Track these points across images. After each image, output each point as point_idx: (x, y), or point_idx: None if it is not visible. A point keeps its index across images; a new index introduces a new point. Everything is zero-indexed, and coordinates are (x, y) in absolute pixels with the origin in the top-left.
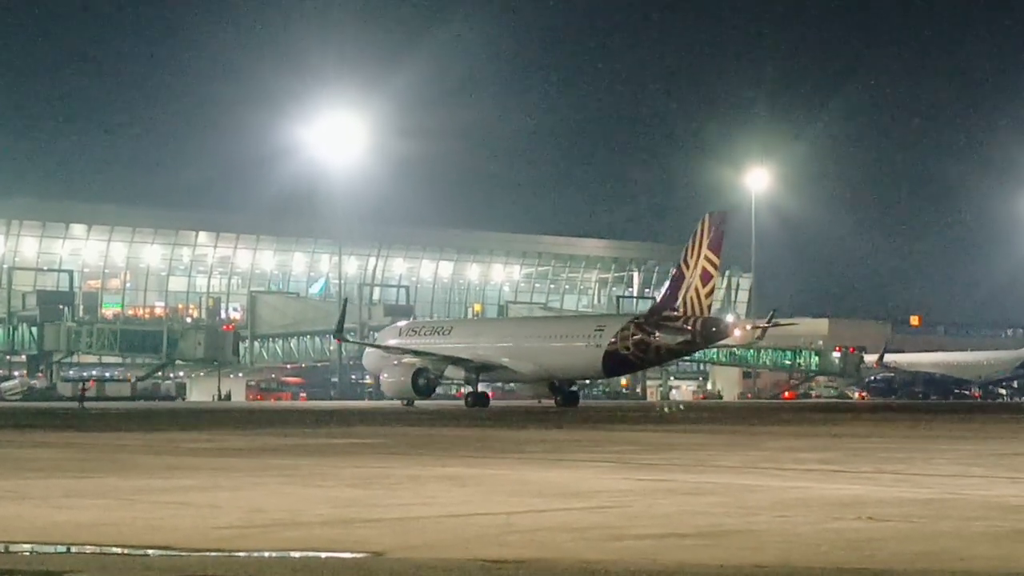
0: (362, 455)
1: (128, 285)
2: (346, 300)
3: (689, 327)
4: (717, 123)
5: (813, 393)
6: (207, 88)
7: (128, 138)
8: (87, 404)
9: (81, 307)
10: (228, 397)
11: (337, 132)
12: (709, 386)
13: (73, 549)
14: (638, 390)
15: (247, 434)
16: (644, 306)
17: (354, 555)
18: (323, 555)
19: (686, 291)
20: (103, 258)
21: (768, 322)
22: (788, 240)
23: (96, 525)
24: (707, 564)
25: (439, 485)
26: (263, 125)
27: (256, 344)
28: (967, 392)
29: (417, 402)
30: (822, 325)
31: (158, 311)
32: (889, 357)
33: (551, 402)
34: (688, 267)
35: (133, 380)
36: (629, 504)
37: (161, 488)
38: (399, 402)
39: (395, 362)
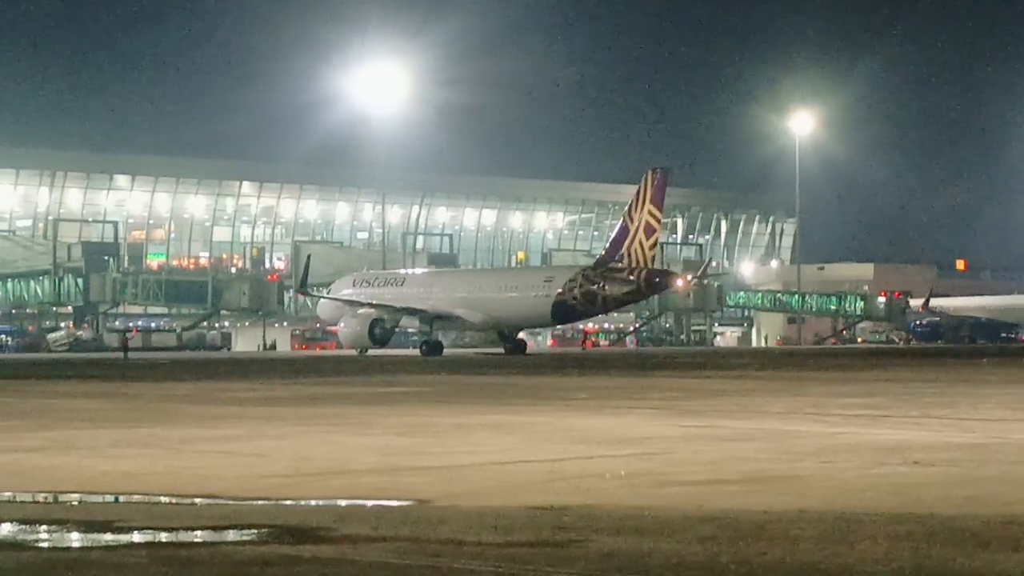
0: (407, 403)
1: (172, 236)
2: (309, 256)
3: (634, 278)
4: (760, 68)
5: (859, 339)
6: (249, 38)
7: (172, 89)
8: (131, 355)
9: (126, 258)
10: (273, 347)
11: (379, 81)
12: (755, 332)
13: (121, 499)
14: (682, 337)
15: (292, 383)
16: (688, 252)
17: (401, 503)
18: (369, 503)
19: (631, 244)
20: (147, 209)
21: (701, 273)
22: (833, 184)
23: (143, 474)
24: (752, 510)
25: (485, 433)
26: (305, 74)
27: None
28: (1014, 336)
29: (372, 351)
30: (867, 270)
31: (203, 261)
32: (935, 302)
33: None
34: (632, 221)
35: (178, 330)
36: (674, 450)
37: (208, 438)
38: (354, 350)
39: (352, 313)
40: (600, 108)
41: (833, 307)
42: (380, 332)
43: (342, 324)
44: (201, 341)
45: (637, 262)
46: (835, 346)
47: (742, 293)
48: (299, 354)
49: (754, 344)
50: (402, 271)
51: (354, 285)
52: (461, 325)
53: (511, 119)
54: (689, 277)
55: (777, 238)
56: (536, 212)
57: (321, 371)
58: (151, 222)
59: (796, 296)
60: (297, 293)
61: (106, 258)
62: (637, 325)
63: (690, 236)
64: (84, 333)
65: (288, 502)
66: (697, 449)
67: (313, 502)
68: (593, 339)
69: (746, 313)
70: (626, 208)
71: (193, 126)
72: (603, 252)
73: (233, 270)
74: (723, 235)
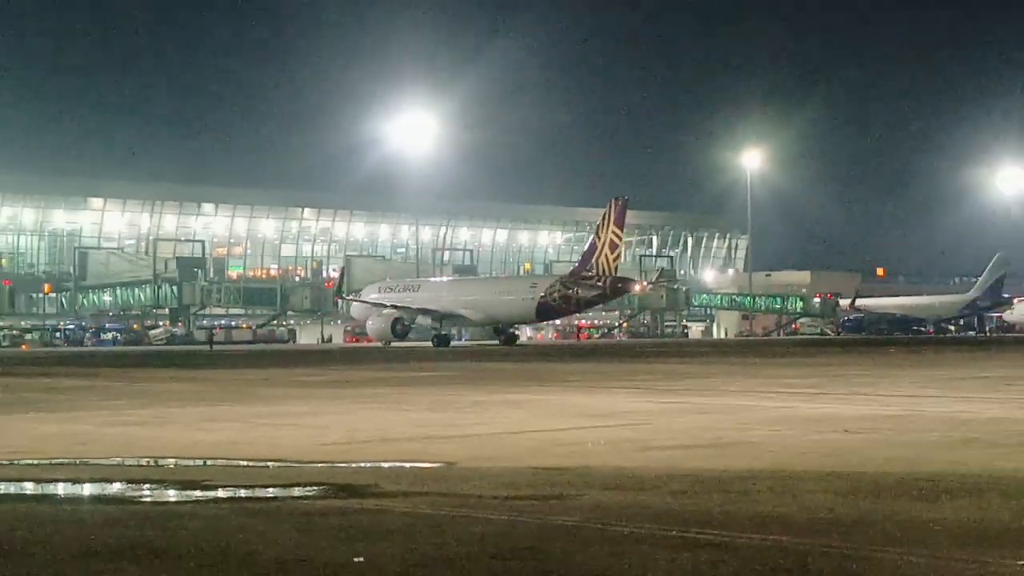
0: (437, 385)
1: (248, 252)
2: (343, 268)
3: (601, 284)
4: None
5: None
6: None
7: (249, 132)
8: (215, 347)
9: (211, 269)
10: (329, 340)
11: (414, 126)
12: (715, 327)
13: (209, 462)
14: (657, 331)
15: (345, 369)
16: (662, 263)
17: (432, 464)
18: (407, 465)
19: (598, 257)
20: (229, 230)
21: (657, 279)
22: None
23: (227, 443)
24: (715, 469)
25: (499, 408)
26: (354, 121)
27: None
28: (923, 329)
29: (393, 343)
30: (805, 276)
31: (273, 272)
32: (859, 301)
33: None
34: (600, 239)
35: (253, 327)
36: (651, 422)
37: (278, 413)
38: (380, 343)
39: (378, 312)
40: (591, 147)
41: (778, 306)
42: (400, 328)
43: (370, 322)
44: (271, 336)
45: (604, 271)
46: (779, 337)
47: (705, 295)
48: (349, 346)
49: (715, 336)
50: (418, 279)
51: (380, 291)
52: (464, 322)
53: (520, 156)
54: (645, 283)
55: (733, 251)
56: (539, 231)
57: (367, 360)
58: (231, 241)
59: (748, 298)
60: (335, 297)
61: (195, 270)
62: (621, 322)
63: (663, 250)
64: (178, 330)
65: (342, 464)
66: (671, 421)
67: (362, 464)
68: (587, 333)
69: (708, 312)
70: (595, 229)
71: (266, 163)
72: (576, 264)
73: (297, 279)
74: (689, 249)
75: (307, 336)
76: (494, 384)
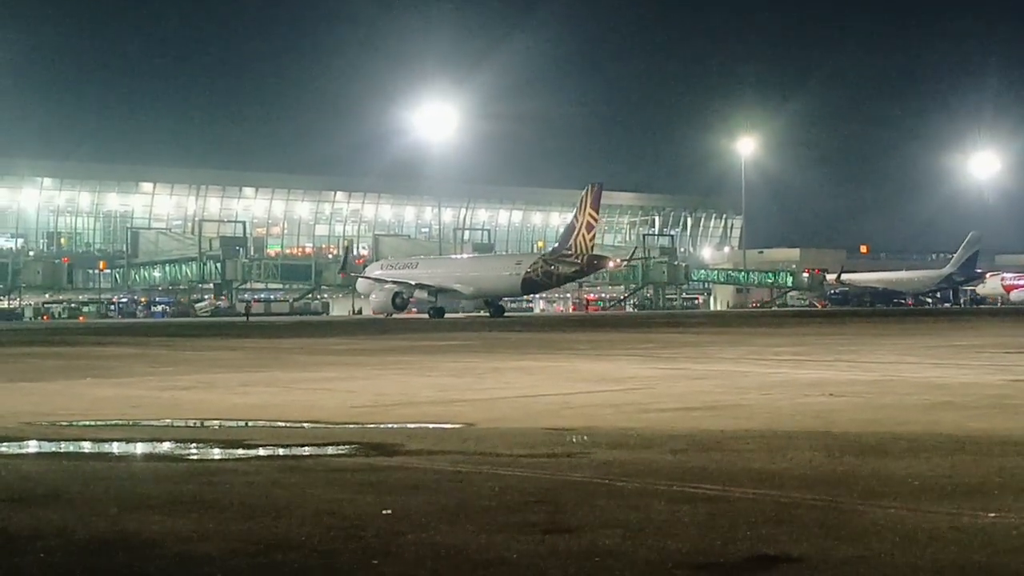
0: (457, 353)
1: (286, 231)
2: (348, 247)
3: (579, 261)
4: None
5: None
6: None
7: (286, 123)
8: (253, 319)
9: (252, 248)
10: (359, 312)
11: (436, 116)
12: (712, 300)
13: (249, 423)
14: (674, 302)
15: (374, 339)
16: (663, 241)
17: (453, 425)
18: (431, 425)
19: (576, 237)
20: (267, 212)
21: (630, 258)
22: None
23: (265, 406)
24: (711, 430)
25: (514, 374)
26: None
27: None
28: (903, 301)
29: (394, 315)
30: (794, 253)
31: (308, 250)
32: (845, 276)
33: (486, 313)
34: (578, 221)
35: (290, 300)
36: (653, 387)
37: (312, 379)
38: (381, 315)
39: (380, 287)
40: (599, 134)
41: (770, 281)
42: (399, 301)
43: (373, 296)
44: (307, 308)
45: (581, 250)
46: (771, 310)
47: (703, 271)
48: (378, 318)
49: (712, 309)
50: (416, 257)
51: (382, 268)
52: (458, 296)
53: (533, 143)
54: (619, 261)
55: (729, 230)
56: (551, 212)
57: (393, 331)
58: (270, 222)
59: (743, 273)
60: (340, 274)
61: (237, 248)
62: (626, 295)
63: (665, 229)
64: (222, 303)
65: (371, 425)
66: (670, 385)
67: (389, 425)
68: (596, 305)
69: (706, 286)
70: (574, 212)
71: (302, 150)
72: (557, 243)
73: (329, 256)
74: (689, 228)
75: (339, 308)
76: (509, 352)
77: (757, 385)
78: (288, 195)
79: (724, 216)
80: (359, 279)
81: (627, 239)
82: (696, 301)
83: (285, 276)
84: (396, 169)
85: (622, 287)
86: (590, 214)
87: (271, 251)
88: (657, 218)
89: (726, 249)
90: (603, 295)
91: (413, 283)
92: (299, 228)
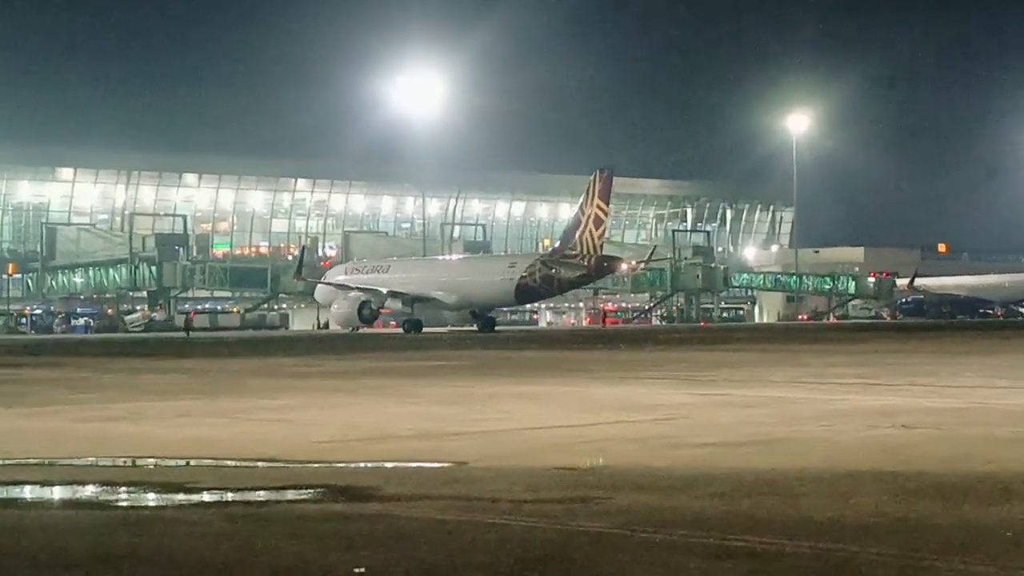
0: (446, 375)
1: (235, 227)
2: (305, 246)
3: (585, 264)
4: (760, 72)
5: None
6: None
7: (235, 95)
8: (197, 334)
9: (194, 247)
10: (326, 326)
11: (419, 87)
12: (757, 310)
13: (192, 462)
14: (693, 314)
15: (343, 358)
16: (697, 238)
17: (441, 464)
18: (412, 465)
19: (582, 233)
20: (213, 203)
21: (649, 259)
22: (827, 176)
23: (211, 441)
24: (758, 468)
25: (515, 401)
26: (353, 82)
27: None
28: (990, 312)
29: (361, 329)
30: (858, 253)
31: (263, 250)
32: (919, 281)
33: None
34: (584, 214)
35: (242, 311)
36: (687, 416)
37: (267, 407)
38: (345, 329)
39: (343, 295)
40: (618, 110)
41: (828, 287)
42: (367, 313)
43: (335, 306)
44: (262, 321)
45: (588, 249)
46: (829, 322)
47: (745, 275)
48: (359, 333)
49: (757, 320)
50: (388, 259)
51: (346, 272)
52: (438, 306)
53: (537, 120)
54: (634, 263)
55: (777, 225)
56: (560, 204)
57: (365, 349)
58: (216, 215)
59: (794, 277)
60: (295, 278)
61: (177, 248)
62: (652, 305)
63: (699, 224)
64: (157, 315)
65: (339, 464)
66: (708, 415)
67: (361, 464)
68: (614, 318)
69: (750, 293)
70: (578, 204)
71: (254, 128)
72: (558, 243)
73: (290, 258)
74: (728, 222)
75: (301, 321)
76: (509, 374)
77: (814, 414)
78: (239, 183)
79: (771, 208)
80: (319, 285)
81: (653, 236)
82: (741, 311)
83: (235, 282)
84: (371, 151)
85: (647, 295)
86: (599, 206)
87: (218, 251)
88: (690, 210)
89: (774, 248)
90: (624, 304)
91: (384, 290)
92: (252, 223)
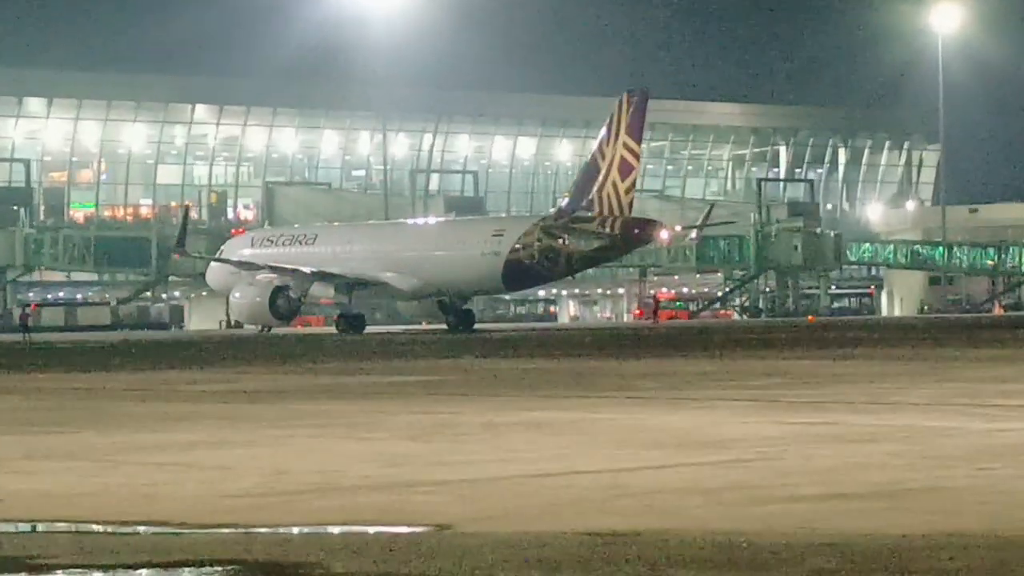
0: (420, 397)
1: (104, 177)
2: (187, 208)
3: (606, 230)
4: None
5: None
6: None
7: None
8: (33, 336)
9: (42, 208)
10: (239, 325)
11: None
12: (885, 296)
13: (40, 528)
14: (790, 303)
15: (266, 372)
16: (794, 191)
17: (412, 529)
18: (371, 530)
19: (601, 186)
20: (69, 142)
21: (703, 223)
22: (989, 100)
23: (69, 495)
24: (885, 534)
25: (523, 435)
26: None
27: None
28: None
29: (275, 327)
30: None
31: (144, 211)
32: None
33: (442, 324)
34: (604, 158)
35: (113, 303)
36: (778, 456)
37: (154, 445)
38: (252, 326)
39: (249, 279)
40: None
41: (990, 262)
42: (284, 303)
43: (236, 294)
44: (144, 317)
45: (610, 210)
46: (994, 314)
47: (867, 245)
48: (273, 333)
49: (884, 312)
50: (314, 227)
51: (253, 245)
52: (388, 293)
53: (553, 16)
54: (678, 228)
55: (914, 171)
56: (588, 140)
57: (303, 355)
58: (75, 160)
59: (940, 248)
60: (175, 254)
61: (15, 208)
62: (727, 290)
63: (797, 170)
64: None
65: (262, 529)
66: (809, 453)
67: (296, 529)
68: (671, 308)
69: (873, 271)
70: (596, 142)
71: (127, 32)
72: (565, 199)
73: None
74: (841, 167)
75: (203, 317)
76: (512, 394)
77: (969, 452)
78: (107, 112)
79: (905, 146)
80: (212, 265)
81: (727, 186)
82: (867, 296)
83: (104, 259)
84: (305, 64)
85: (720, 275)
86: (626, 145)
87: (77, 213)
88: (783, 150)
89: (909, 205)
90: (685, 290)
91: (308, 270)
92: (128, 172)
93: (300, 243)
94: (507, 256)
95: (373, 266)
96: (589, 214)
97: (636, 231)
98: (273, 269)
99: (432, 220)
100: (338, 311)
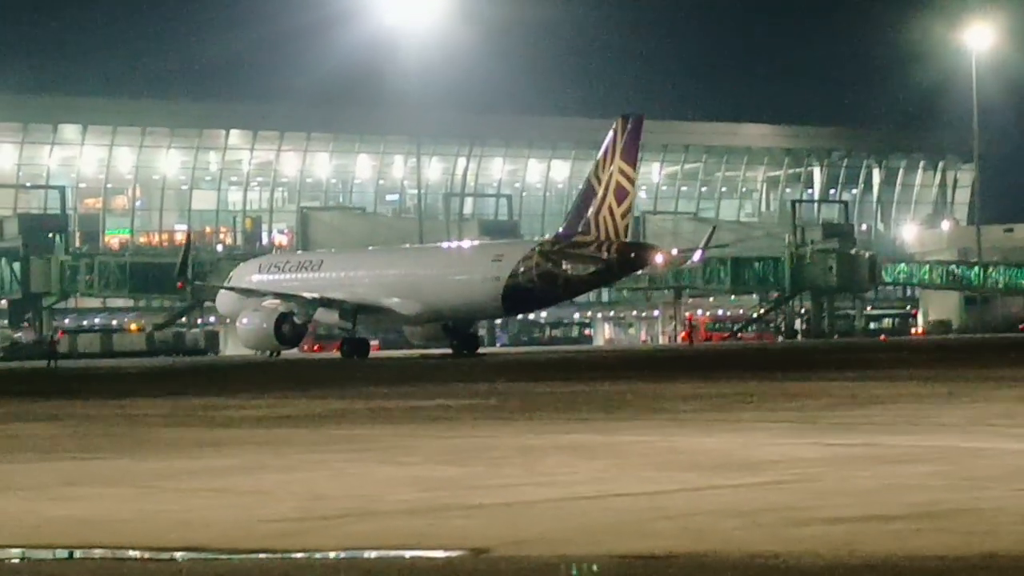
0: (457, 421)
1: (139, 204)
2: (189, 235)
3: (603, 254)
4: None
5: None
6: None
7: (135, 12)
8: (59, 363)
9: (77, 235)
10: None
11: None
12: (920, 315)
13: (78, 554)
14: (824, 324)
15: (304, 397)
16: (829, 212)
17: (448, 553)
18: (407, 554)
19: (599, 210)
20: (104, 169)
21: (707, 243)
22: (1022, 119)
23: (106, 521)
24: (923, 555)
25: (560, 457)
26: None
27: None
28: None
29: (282, 353)
30: None
31: (179, 237)
32: None
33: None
34: (599, 182)
35: (149, 329)
36: (817, 478)
37: (191, 471)
38: (258, 353)
39: (255, 305)
40: (706, 28)
41: None
42: (289, 329)
43: (243, 320)
44: (179, 343)
45: (607, 232)
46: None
47: (903, 265)
48: (311, 357)
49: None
50: (320, 252)
51: (261, 271)
52: (391, 318)
53: (587, 41)
54: (674, 252)
55: (948, 191)
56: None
57: (340, 380)
58: (109, 187)
59: (976, 269)
60: (178, 283)
61: (51, 235)
62: (762, 312)
63: (831, 191)
64: (24, 336)
65: (299, 554)
66: (847, 475)
67: (332, 554)
68: (710, 330)
69: (909, 292)
70: (592, 166)
71: (162, 57)
72: (563, 225)
73: (220, 248)
74: (876, 188)
75: (239, 343)
76: (548, 417)
77: (1005, 473)
78: (142, 138)
79: (940, 165)
80: (221, 292)
81: (760, 207)
82: (909, 316)
83: (139, 285)
84: (339, 89)
85: (755, 297)
86: (622, 170)
87: (112, 239)
88: (817, 171)
89: (944, 225)
90: (722, 311)
91: (310, 296)
92: (162, 198)
93: (306, 269)
94: (506, 280)
95: (376, 291)
96: (586, 239)
97: (632, 255)
98: (277, 295)
99: (432, 245)
100: (342, 335)
